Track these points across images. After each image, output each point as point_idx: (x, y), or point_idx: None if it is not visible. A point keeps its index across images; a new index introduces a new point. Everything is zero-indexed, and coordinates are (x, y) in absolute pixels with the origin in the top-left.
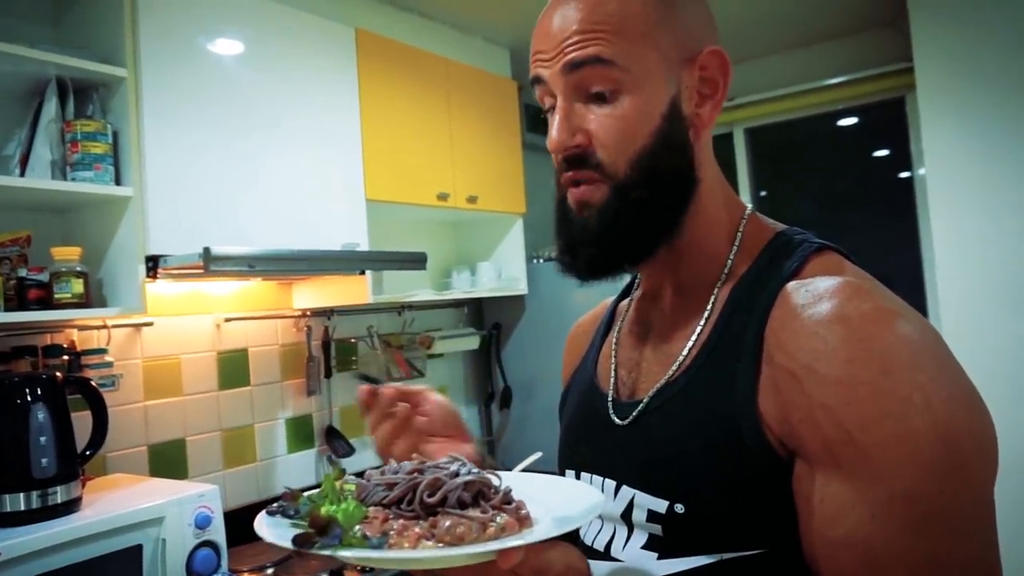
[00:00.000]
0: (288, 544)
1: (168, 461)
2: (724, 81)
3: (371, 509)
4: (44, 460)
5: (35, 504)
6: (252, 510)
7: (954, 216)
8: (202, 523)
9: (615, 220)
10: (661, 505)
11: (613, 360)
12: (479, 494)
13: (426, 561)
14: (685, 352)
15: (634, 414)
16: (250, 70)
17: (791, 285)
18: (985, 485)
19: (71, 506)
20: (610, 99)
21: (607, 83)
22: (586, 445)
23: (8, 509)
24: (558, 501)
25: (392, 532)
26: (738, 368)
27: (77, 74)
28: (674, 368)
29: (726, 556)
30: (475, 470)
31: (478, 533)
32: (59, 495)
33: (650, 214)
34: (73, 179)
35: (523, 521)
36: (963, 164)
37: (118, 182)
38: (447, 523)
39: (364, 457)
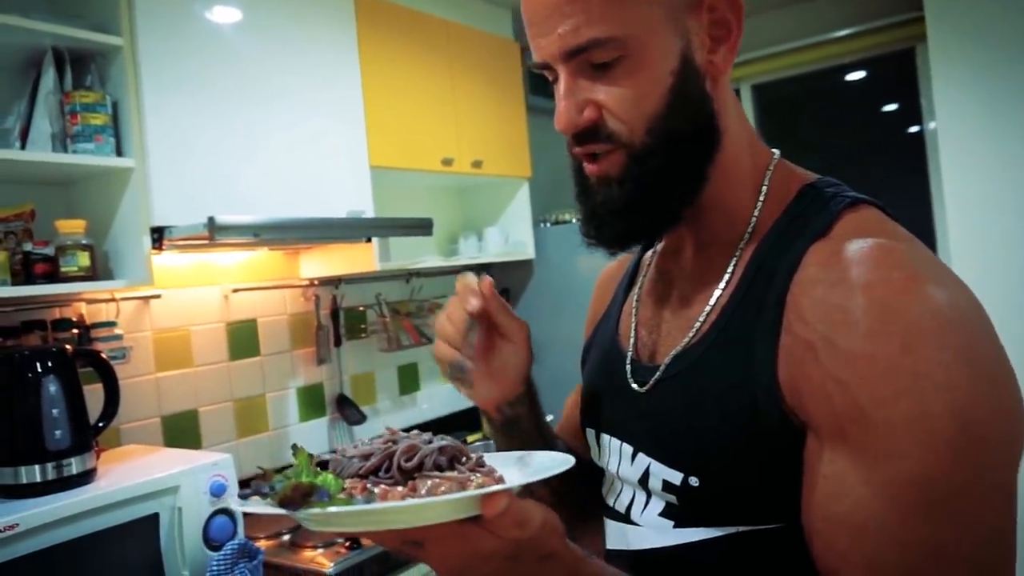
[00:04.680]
0: (275, 510)
1: (181, 431)
2: (737, 20)
3: (348, 482)
4: (57, 432)
5: (50, 476)
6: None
7: (966, 170)
8: (217, 491)
9: (638, 191)
10: (676, 476)
11: (633, 319)
12: (453, 459)
13: (413, 511)
14: (703, 317)
15: (651, 381)
16: (249, 37)
17: (817, 246)
18: (1003, 472)
19: (86, 477)
20: (615, 67)
21: (609, 53)
22: (605, 406)
23: (24, 481)
24: (530, 469)
25: (376, 494)
26: (757, 337)
27: (73, 44)
28: (692, 333)
29: (742, 529)
30: (445, 440)
31: (458, 491)
32: (74, 466)
33: (672, 180)
34: (74, 151)
35: (498, 482)
36: (975, 117)
37: (119, 153)
38: (428, 483)
39: (375, 424)
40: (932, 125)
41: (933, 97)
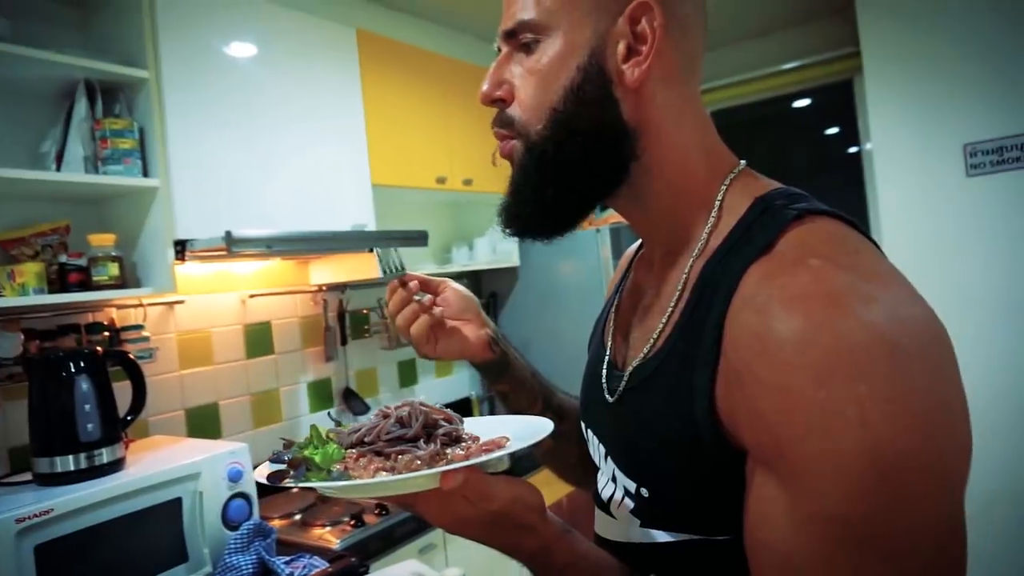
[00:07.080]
0: (264, 480)
1: (203, 423)
2: (654, 36)
3: (349, 451)
4: (89, 425)
5: (83, 465)
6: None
7: (897, 184)
8: (235, 477)
9: (528, 176)
10: (631, 485)
11: (612, 322)
12: (435, 425)
13: (376, 487)
14: (658, 331)
15: (618, 392)
16: (263, 69)
17: (756, 265)
18: (933, 508)
19: (116, 465)
20: (534, 51)
21: (528, 36)
22: (589, 402)
23: (59, 470)
24: (513, 435)
25: (358, 466)
26: (699, 359)
27: (103, 76)
28: (648, 347)
29: (695, 537)
30: (432, 408)
31: (429, 463)
32: (104, 456)
33: (564, 172)
34: (105, 173)
35: (472, 455)
36: (905, 138)
37: (146, 174)
38: (406, 458)
39: None
40: (868, 146)
41: (869, 121)
